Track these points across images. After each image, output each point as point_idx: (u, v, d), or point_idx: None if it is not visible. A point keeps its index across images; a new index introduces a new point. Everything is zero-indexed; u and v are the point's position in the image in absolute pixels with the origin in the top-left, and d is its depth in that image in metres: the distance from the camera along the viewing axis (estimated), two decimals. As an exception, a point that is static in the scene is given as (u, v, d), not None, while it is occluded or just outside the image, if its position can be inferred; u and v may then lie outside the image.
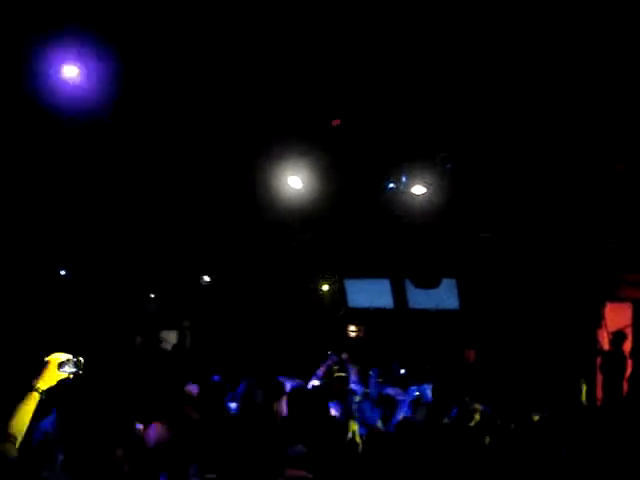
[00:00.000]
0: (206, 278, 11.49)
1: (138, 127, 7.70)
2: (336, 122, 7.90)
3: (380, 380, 8.29)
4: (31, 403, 3.46)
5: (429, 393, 9.06)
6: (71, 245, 10.31)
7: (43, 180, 8.58)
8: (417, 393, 8.83)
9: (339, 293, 11.97)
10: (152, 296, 12.82)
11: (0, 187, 8.14)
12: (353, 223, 9.66)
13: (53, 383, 3.52)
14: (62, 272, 10.76)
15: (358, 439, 5.33)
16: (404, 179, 8.57)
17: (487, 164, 8.29)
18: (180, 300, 12.30)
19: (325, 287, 12.20)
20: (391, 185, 8.68)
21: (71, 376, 3.62)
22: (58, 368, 3.51)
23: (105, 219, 9.94)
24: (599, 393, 9.62)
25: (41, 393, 3.49)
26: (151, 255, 11.01)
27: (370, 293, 11.78)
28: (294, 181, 8.14)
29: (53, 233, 9.78)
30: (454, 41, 6.36)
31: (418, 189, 8.14)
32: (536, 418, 6.01)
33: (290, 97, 7.48)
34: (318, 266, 11.38)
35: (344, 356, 8.48)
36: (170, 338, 12.88)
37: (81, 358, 3.54)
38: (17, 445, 3.37)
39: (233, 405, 6.98)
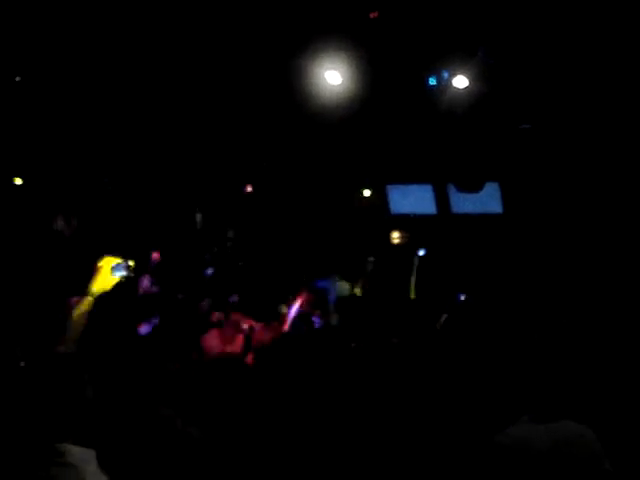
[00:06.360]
0: (248, 188, 11.52)
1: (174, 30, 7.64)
2: (374, 14, 7.72)
3: None
4: (85, 307, 3.43)
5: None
6: (115, 156, 10.38)
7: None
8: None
9: (381, 199, 11.93)
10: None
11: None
12: (394, 125, 9.52)
13: (106, 287, 3.49)
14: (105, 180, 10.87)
15: None
16: (445, 74, 8.41)
17: (528, 57, 8.05)
18: (224, 212, 12.36)
19: (367, 193, 12.14)
20: (432, 81, 8.52)
21: (124, 279, 3.59)
22: (111, 272, 3.50)
23: (146, 132, 9.96)
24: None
25: (95, 297, 3.46)
26: (192, 166, 11.05)
27: (412, 199, 11.71)
28: (332, 76, 8.00)
29: (98, 142, 9.85)
30: None
31: (461, 81, 7.96)
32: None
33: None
34: (360, 172, 11.30)
35: None
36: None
37: (131, 262, 3.51)
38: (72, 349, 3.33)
39: None
